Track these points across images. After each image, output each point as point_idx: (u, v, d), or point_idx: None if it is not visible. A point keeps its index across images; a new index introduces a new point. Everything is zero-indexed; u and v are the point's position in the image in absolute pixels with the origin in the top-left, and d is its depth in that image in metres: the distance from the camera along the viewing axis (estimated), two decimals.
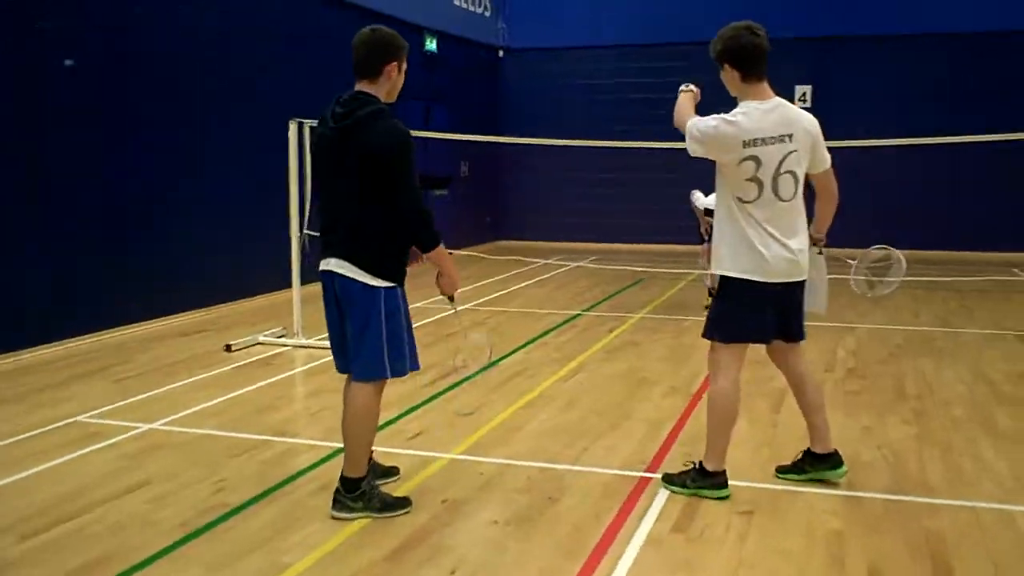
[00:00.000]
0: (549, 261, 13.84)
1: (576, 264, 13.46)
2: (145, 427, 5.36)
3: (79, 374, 6.70)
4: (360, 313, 3.86)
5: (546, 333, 8.18)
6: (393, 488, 4.24)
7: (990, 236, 14.13)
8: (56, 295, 7.60)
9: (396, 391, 5.92)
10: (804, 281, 4.15)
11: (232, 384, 6.37)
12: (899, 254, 5.51)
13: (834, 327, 8.05)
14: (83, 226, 7.87)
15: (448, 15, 14.64)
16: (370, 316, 3.84)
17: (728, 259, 4.07)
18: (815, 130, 4.07)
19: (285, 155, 7.57)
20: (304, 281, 7.68)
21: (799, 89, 14.88)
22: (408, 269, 3.95)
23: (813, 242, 4.31)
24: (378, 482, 4.12)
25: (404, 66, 3.94)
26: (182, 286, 8.93)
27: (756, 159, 3.92)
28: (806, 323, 4.29)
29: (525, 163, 16.44)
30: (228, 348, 7.42)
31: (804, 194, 4.10)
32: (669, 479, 4.33)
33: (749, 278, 4.01)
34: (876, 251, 5.64)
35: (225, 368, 6.87)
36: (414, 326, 4.06)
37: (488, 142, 14.86)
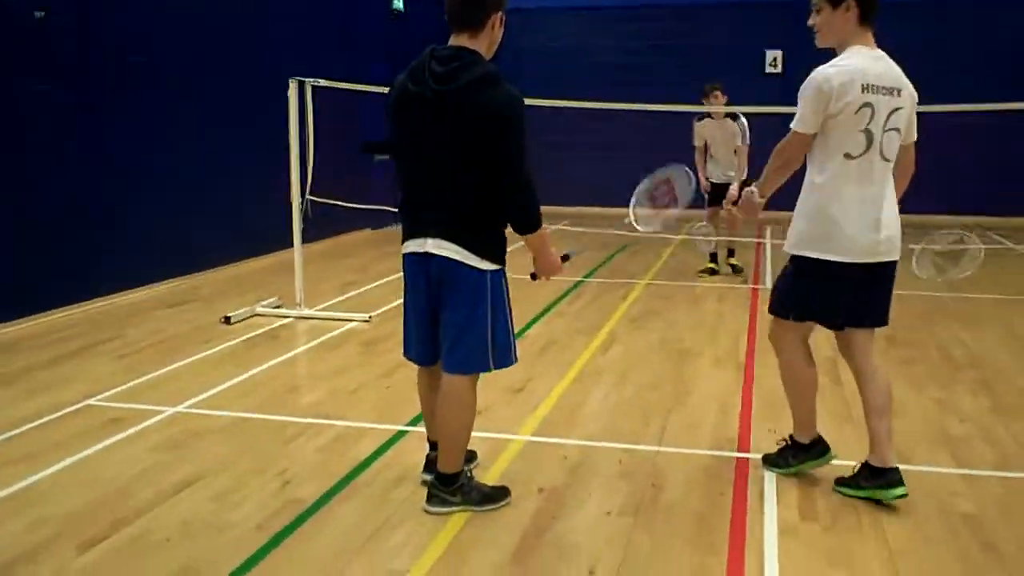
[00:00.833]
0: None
1: (553, 227, 13.10)
2: (170, 410, 4.84)
3: (70, 352, 6.08)
4: (466, 300, 3.41)
5: (557, 302, 7.82)
6: (478, 475, 3.85)
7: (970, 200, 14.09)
8: (23, 264, 6.86)
9: None
10: (895, 262, 3.69)
11: (246, 361, 5.85)
12: (974, 238, 5.24)
13: None
14: (49, 188, 7.14)
15: None
16: (478, 303, 3.41)
17: (807, 235, 3.63)
18: (915, 97, 3.67)
19: (273, 116, 7.00)
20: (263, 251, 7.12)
21: (770, 54, 14.72)
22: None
23: None
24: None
25: (504, 17, 3.46)
26: (158, 253, 8.27)
27: (871, 107, 3.48)
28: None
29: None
30: (227, 320, 6.87)
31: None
32: (771, 461, 4.04)
33: (828, 258, 3.58)
34: (947, 235, 5.32)
35: (231, 343, 6.33)
36: None
37: None
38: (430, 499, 3.60)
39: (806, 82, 3.52)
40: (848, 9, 3.52)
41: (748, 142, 8.51)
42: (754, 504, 3.71)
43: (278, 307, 7.32)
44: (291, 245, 7.30)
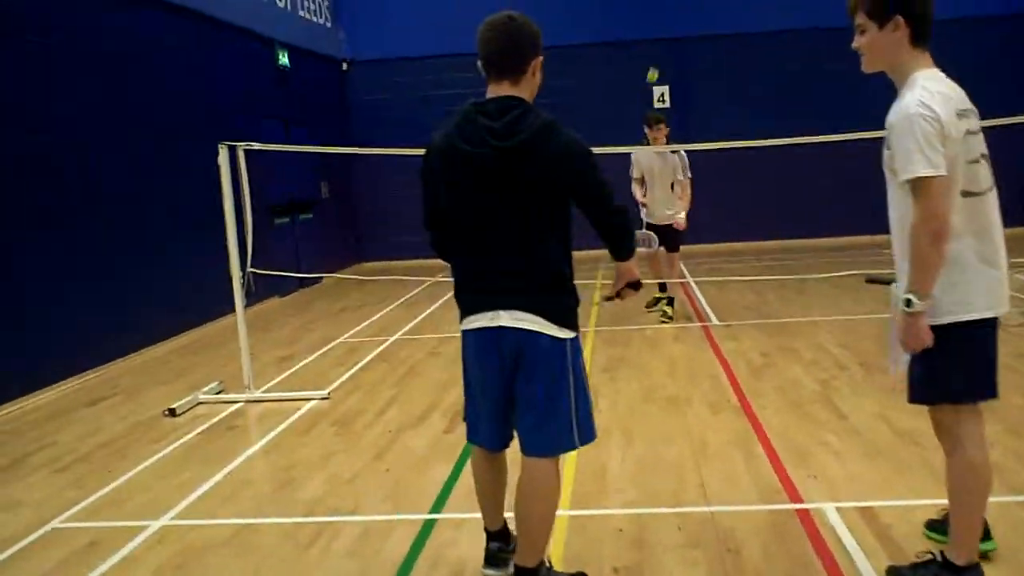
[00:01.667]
0: (438, 278, 13.08)
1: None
2: (155, 524, 4.25)
3: None
4: (548, 373, 3.09)
5: None
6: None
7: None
8: None
9: (420, 442, 5.13)
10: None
11: (213, 457, 5.27)
12: None
13: (780, 323, 8.01)
14: None
15: (295, 27, 13.50)
16: (561, 376, 3.10)
17: (954, 297, 2.93)
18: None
19: (166, 185, 6.46)
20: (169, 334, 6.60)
21: (656, 90, 15.03)
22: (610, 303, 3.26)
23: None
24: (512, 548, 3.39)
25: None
26: (56, 348, 7.44)
27: (973, 133, 2.97)
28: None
29: (381, 180, 15.60)
30: (171, 412, 6.23)
31: None
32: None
33: (985, 316, 2.97)
34: None
35: (184, 438, 5.71)
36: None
37: (345, 160, 14.02)
38: None
39: (902, 120, 2.86)
40: (897, 28, 2.96)
41: (690, 175, 8.48)
42: (842, 558, 3.51)
43: (220, 392, 6.72)
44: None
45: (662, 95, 15.00)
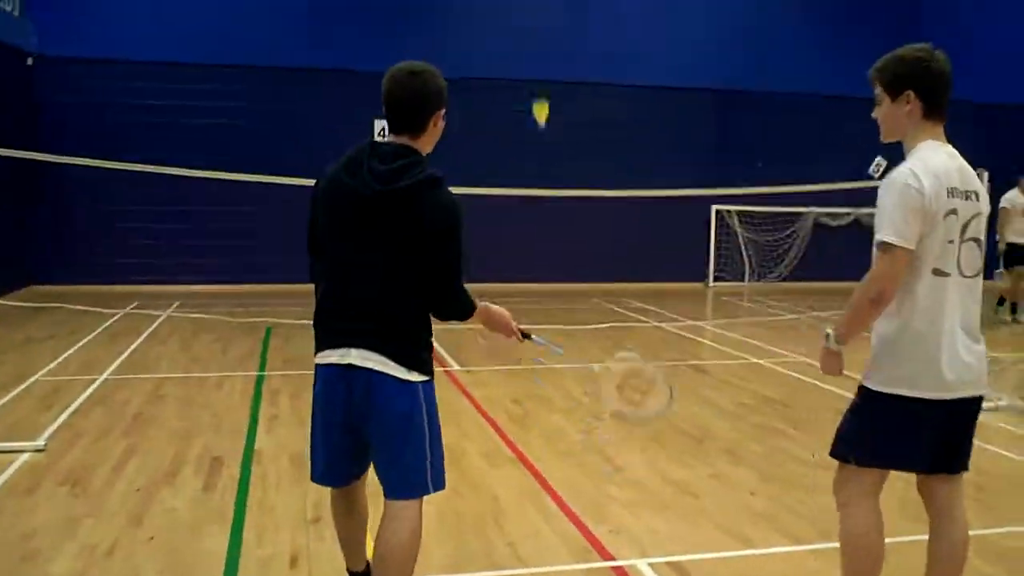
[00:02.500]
0: (129, 310, 11.83)
1: (164, 313, 11.69)
2: None
3: None
4: (398, 416, 3.08)
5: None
6: None
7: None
8: None
9: (178, 502, 4.55)
10: (982, 397, 3.18)
11: None
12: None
13: (519, 369, 8.21)
14: None
15: None
16: (412, 418, 3.10)
17: (886, 367, 3.06)
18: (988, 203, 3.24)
19: None
20: None
21: (378, 124, 14.83)
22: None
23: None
24: None
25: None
26: None
27: (956, 213, 3.03)
28: None
29: (66, 193, 13.94)
30: None
31: None
32: None
33: (911, 394, 3.03)
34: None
35: None
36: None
37: (24, 167, 12.40)
38: None
39: (889, 184, 2.99)
40: (908, 102, 3.09)
41: None
42: None
43: None
44: None
45: (382, 130, 14.90)
